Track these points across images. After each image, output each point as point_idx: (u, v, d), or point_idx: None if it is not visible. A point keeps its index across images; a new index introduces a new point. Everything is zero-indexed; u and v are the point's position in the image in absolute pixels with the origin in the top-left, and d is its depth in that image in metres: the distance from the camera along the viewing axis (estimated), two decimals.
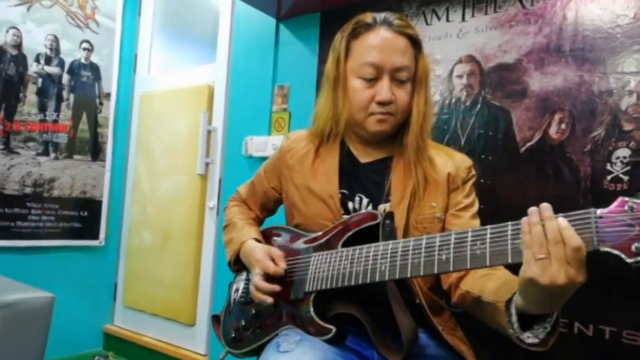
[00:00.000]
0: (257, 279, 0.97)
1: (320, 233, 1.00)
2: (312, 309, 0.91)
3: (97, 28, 2.51)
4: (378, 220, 0.90)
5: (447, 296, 1.03)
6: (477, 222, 1.02)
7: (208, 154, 2.26)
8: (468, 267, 0.72)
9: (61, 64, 2.37)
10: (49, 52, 2.33)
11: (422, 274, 0.77)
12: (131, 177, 2.66)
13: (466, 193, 1.03)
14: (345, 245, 0.92)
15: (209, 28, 2.42)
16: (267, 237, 1.14)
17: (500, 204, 1.36)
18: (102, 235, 2.54)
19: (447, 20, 1.54)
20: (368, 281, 0.83)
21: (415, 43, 1.01)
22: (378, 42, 0.97)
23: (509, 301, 0.74)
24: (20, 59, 2.22)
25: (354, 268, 0.86)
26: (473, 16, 1.49)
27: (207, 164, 2.26)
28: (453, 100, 1.49)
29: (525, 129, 1.35)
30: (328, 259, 0.92)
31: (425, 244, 0.78)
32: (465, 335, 1.03)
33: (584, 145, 1.26)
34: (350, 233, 0.93)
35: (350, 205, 1.03)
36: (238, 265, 1.14)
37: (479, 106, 1.44)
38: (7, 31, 2.18)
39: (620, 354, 1.17)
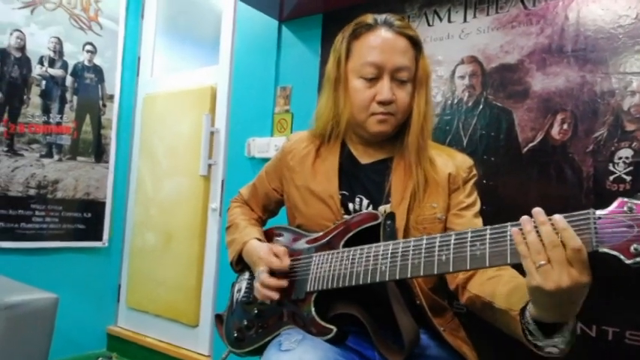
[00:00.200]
0: (263, 276, 0.97)
1: (321, 233, 1.00)
2: (313, 309, 0.91)
3: (100, 31, 2.52)
4: (379, 221, 0.90)
5: (452, 296, 1.03)
6: (479, 221, 1.02)
7: (211, 155, 2.27)
8: (468, 268, 0.72)
9: (65, 66, 2.39)
10: (52, 55, 2.34)
11: (422, 274, 0.77)
12: (134, 178, 2.67)
13: (467, 192, 1.03)
14: (346, 245, 0.92)
15: (211, 30, 2.42)
16: (269, 237, 1.14)
17: (502, 205, 1.36)
18: (105, 236, 2.55)
19: (449, 21, 1.54)
20: (368, 281, 0.83)
21: (415, 44, 1.01)
22: (379, 42, 0.98)
23: (523, 310, 0.74)
24: (24, 62, 2.24)
25: (355, 268, 0.86)
26: (475, 16, 1.49)
27: (209, 166, 2.27)
28: (455, 101, 1.49)
29: (527, 129, 1.35)
30: (329, 260, 0.92)
31: (425, 244, 0.78)
32: (468, 336, 1.03)
33: (587, 146, 1.26)
34: (351, 233, 0.93)
35: (350, 206, 1.03)
36: (241, 265, 1.14)
37: (481, 106, 1.44)
38: (11, 34, 2.20)
39: (623, 355, 1.17)
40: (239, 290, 1.13)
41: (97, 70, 2.51)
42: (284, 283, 0.97)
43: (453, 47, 1.52)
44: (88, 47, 2.47)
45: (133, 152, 2.70)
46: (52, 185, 2.33)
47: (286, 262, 0.98)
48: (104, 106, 2.54)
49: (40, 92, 2.29)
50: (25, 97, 2.24)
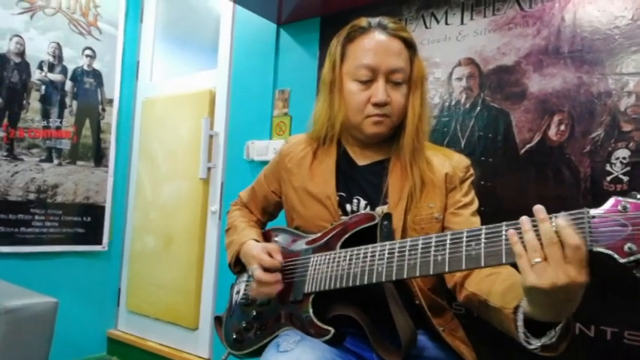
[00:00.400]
0: (257, 273, 0.97)
1: (319, 234, 1.00)
2: (311, 310, 0.92)
3: (100, 35, 2.53)
4: (376, 221, 0.91)
5: (450, 296, 1.03)
6: (477, 219, 1.02)
7: (210, 158, 2.27)
8: (463, 268, 0.72)
9: (64, 71, 2.40)
10: (51, 60, 2.35)
11: (418, 274, 0.78)
12: (134, 182, 2.68)
13: (464, 191, 1.04)
14: (343, 246, 0.93)
15: (210, 34, 2.43)
16: (267, 239, 1.15)
17: (500, 206, 1.36)
18: (105, 240, 2.55)
19: (446, 23, 1.55)
20: (365, 282, 0.84)
21: (410, 45, 1.02)
22: (373, 45, 0.99)
23: (516, 308, 0.74)
24: (23, 67, 2.25)
25: (352, 269, 0.87)
26: (472, 19, 1.49)
27: (209, 169, 2.27)
28: (453, 103, 1.50)
29: (525, 131, 1.36)
30: (327, 260, 0.92)
31: (421, 244, 0.78)
32: (467, 336, 1.03)
33: (584, 147, 1.26)
34: (348, 234, 0.94)
35: (348, 207, 1.03)
36: (239, 266, 1.15)
37: (478, 108, 1.45)
38: (11, 39, 2.20)
39: (622, 355, 1.17)
40: (238, 292, 1.14)
41: (97, 75, 2.52)
42: (278, 276, 0.97)
43: (450, 49, 1.53)
44: (88, 52, 2.48)
45: (133, 156, 2.71)
46: (51, 189, 2.34)
47: (278, 258, 0.98)
48: (103, 110, 2.55)
49: (39, 97, 2.30)
50: (24, 102, 2.25)
